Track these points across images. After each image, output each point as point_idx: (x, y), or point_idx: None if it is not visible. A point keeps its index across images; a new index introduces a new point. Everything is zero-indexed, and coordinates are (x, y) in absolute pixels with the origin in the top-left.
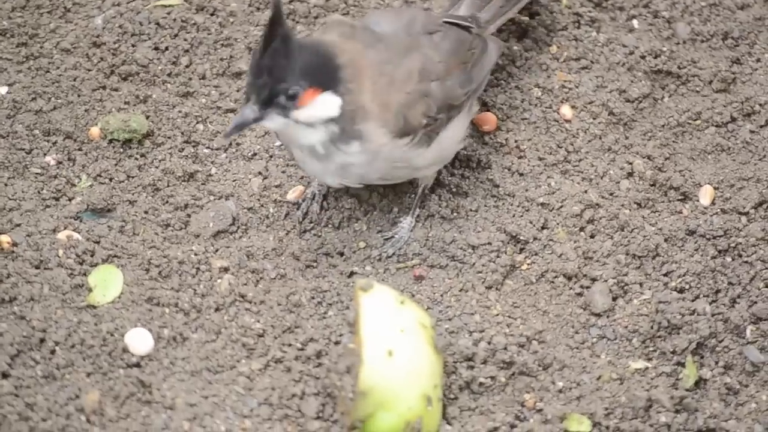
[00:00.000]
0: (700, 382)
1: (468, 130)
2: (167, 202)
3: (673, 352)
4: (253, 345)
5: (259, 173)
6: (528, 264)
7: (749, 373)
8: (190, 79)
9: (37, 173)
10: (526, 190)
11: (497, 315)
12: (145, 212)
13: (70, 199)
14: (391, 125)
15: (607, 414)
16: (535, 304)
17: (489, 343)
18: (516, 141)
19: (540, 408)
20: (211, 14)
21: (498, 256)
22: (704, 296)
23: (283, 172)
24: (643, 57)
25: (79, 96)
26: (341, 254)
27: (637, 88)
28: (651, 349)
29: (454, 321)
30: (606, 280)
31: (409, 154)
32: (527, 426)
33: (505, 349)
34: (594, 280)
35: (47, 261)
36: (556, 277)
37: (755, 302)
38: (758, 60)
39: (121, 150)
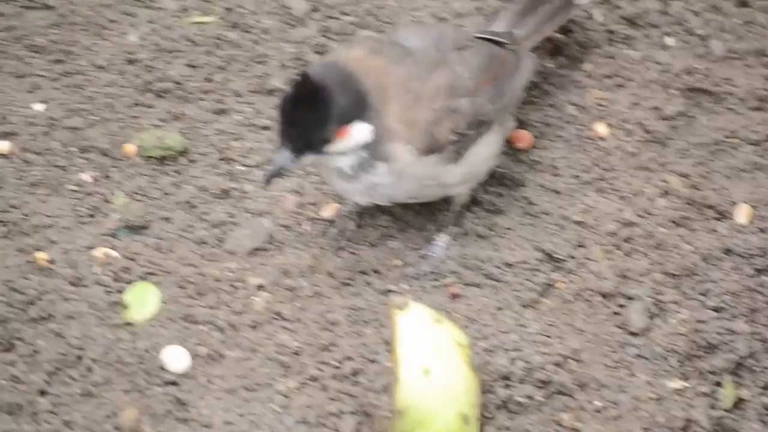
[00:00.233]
0: (738, 403)
1: (501, 146)
2: (203, 219)
3: (711, 372)
4: (289, 363)
5: (295, 190)
6: (564, 282)
7: None
8: (225, 95)
9: (73, 190)
10: (562, 208)
11: (534, 334)
12: (181, 229)
13: (105, 216)
14: (417, 143)
15: None
16: (572, 322)
17: (526, 361)
18: (551, 159)
19: (577, 428)
20: (246, 31)
21: (534, 275)
22: (742, 315)
23: (318, 189)
24: (677, 75)
25: (114, 113)
26: (377, 272)
27: (672, 105)
28: (688, 368)
29: (490, 339)
30: (643, 299)
31: (437, 172)
32: None
33: (542, 368)
34: (630, 298)
35: (84, 278)
36: (592, 295)
37: None
38: None
39: (157, 167)
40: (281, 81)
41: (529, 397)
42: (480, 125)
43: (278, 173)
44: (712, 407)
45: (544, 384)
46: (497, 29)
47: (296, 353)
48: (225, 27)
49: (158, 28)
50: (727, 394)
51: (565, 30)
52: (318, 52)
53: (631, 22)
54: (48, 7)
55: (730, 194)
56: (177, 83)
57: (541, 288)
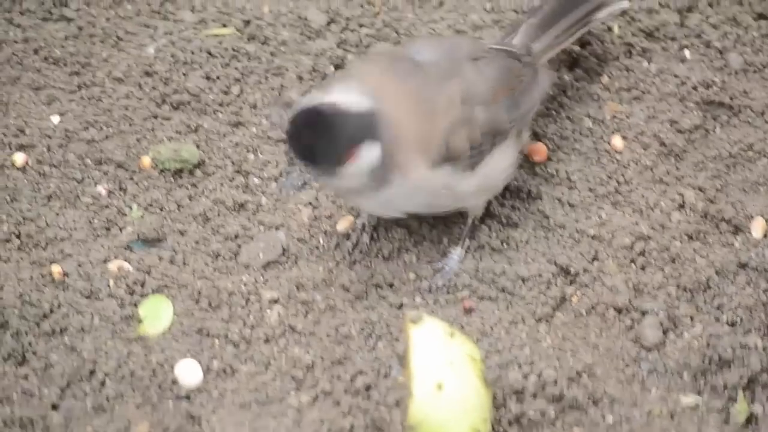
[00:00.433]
0: (751, 418)
1: (517, 159)
2: (217, 232)
3: (725, 387)
4: (302, 377)
5: (309, 203)
6: (578, 296)
7: None
8: (241, 108)
9: (88, 203)
10: (577, 222)
11: (547, 348)
12: (196, 242)
13: (121, 229)
14: (432, 154)
15: None
16: (585, 337)
17: (539, 376)
18: (567, 172)
19: None
20: (263, 43)
21: (548, 288)
22: (756, 330)
23: (333, 202)
24: (694, 87)
25: (130, 125)
26: (391, 285)
27: (688, 119)
28: (702, 383)
29: (503, 354)
30: (657, 313)
31: (452, 182)
32: None
33: (555, 382)
34: (645, 313)
35: (98, 291)
36: (606, 309)
37: None
38: None
39: (172, 179)
40: (298, 93)
41: (542, 413)
42: (495, 136)
43: (292, 190)
44: (726, 422)
45: (557, 399)
46: (515, 42)
47: (309, 367)
48: (242, 39)
49: (176, 40)
50: (741, 409)
51: (582, 42)
52: (335, 65)
53: (648, 34)
54: (66, 19)
55: (745, 208)
56: (194, 95)
57: (555, 302)
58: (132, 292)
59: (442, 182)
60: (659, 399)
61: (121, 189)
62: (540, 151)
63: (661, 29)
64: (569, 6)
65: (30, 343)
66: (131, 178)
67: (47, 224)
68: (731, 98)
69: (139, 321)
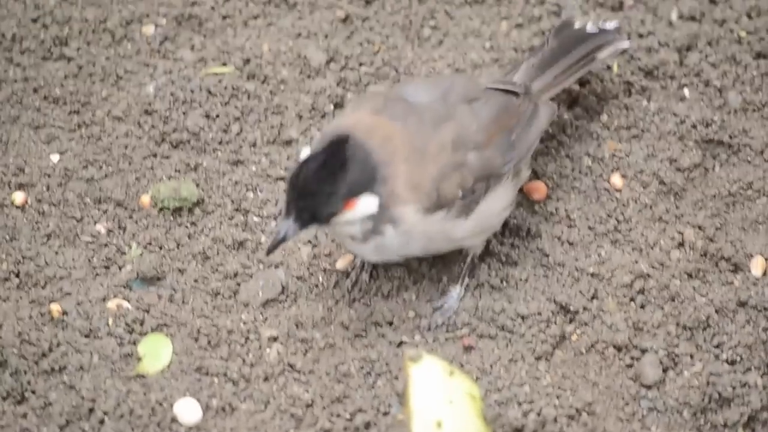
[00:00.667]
0: None
1: (514, 198)
2: (217, 270)
3: (725, 425)
4: (301, 415)
5: (309, 241)
6: (578, 334)
7: None
8: (241, 146)
9: (87, 241)
10: (576, 260)
11: (547, 386)
12: (195, 281)
13: (120, 268)
14: (424, 202)
15: None
16: (585, 375)
17: (538, 414)
18: (566, 210)
19: None
20: (263, 82)
21: (548, 326)
22: (756, 368)
23: (333, 240)
24: (694, 126)
25: (130, 164)
26: (390, 324)
27: (688, 157)
28: (702, 422)
29: (503, 392)
30: (656, 352)
31: (446, 227)
32: None
33: (555, 420)
34: (644, 351)
35: (97, 330)
36: (606, 348)
37: None
38: None
39: (172, 218)
40: (298, 132)
41: None
42: (489, 179)
43: (282, 242)
44: None
45: None
46: (515, 80)
47: (309, 405)
48: (242, 78)
49: (176, 78)
50: None
51: (581, 81)
52: (335, 103)
53: (647, 73)
54: (66, 58)
55: (745, 247)
56: (193, 134)
57: (555, 340)
58: (131, 331)
59: (436, 228)
60: None
61: (120, 227)
62: (539, 189)
63: (660, 68)
64: (569, 46)
65: (29, 382)
66: (130, 217)
67: (46, 263)
68: (731, 137)
69: (139, 359)
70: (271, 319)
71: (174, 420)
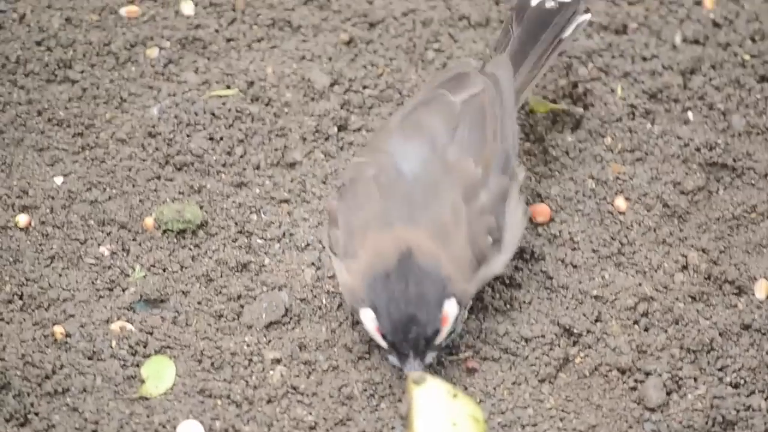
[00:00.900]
0: None
1: (523, 200)
2: (220, 292)
3: None
4: None
5: (312, 264)
6: (581, 357)
7: None
8: (245, 169)
9: (91, 264)
10: (580, 283)
11: (550, 409)
12: (198, 303)
13: (123, 290)
14: (468, 273)
15: None
16: (589, 398)
17: None
18: (570, 233)
19: None
20: (266, 104)
21: (551, 349)
22: (759, 392)
23: None
24: (698, 149)
25: (133, 186)
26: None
27: (691, 180)
28: None
29: (506, 414)
30: (660, 375)
31: (488, 274)
32: None
33: None
34: (648, 374)
35: (100, 352)
36: (609, 370)
37: None
38: None
39: (175, 240)
40: (301, 154)
41: None
42: (504, 202)
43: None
44: None
45: None
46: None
47: (312, 428)
48: (246, 100)
49: (179, 101)
50: None
51: (585, 104)
52: (339, 126)
53: (651, 96)
54: (70, 81)
55: (749, 270)
56: (197, 156)
57: (558, 363)
58: (134, 353)
59: (484, 279)
60: None
61: (124, 250)
62: (543, 212)
63: (664, 91)
64: (535, 32)
65: (32, 404)
66: (134, 239)
67: (50, 285)
68: (734, 160)
69: (142, 382)
70: (274, 341)
71: None
